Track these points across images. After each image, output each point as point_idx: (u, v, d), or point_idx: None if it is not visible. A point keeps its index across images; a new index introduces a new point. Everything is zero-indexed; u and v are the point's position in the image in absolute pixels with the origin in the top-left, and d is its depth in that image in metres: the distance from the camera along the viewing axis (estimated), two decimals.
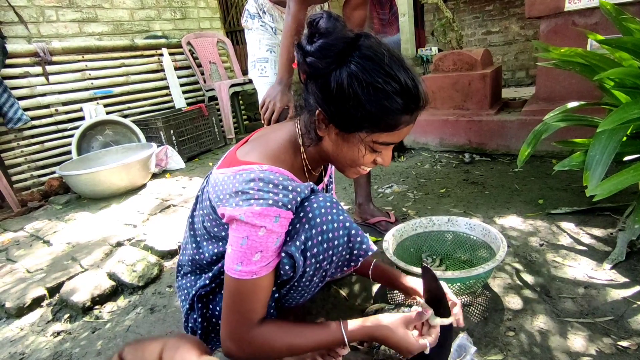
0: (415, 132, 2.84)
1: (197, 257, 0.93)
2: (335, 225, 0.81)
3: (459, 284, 1.10)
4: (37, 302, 1.48)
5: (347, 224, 0.83)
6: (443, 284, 0.90)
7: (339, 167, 0.88)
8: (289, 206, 0.76)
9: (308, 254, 0.79)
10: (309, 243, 0.79)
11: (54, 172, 2.94)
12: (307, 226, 0.79)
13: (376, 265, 1.06)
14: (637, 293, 1.12)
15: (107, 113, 3.32)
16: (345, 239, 0.83)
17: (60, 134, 3.07)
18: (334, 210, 0.81)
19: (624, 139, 1.16)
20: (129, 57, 3.53)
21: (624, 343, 0.95)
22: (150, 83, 3.70)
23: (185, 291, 0.98)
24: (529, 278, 1.25)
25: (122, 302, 1.47)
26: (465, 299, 1.18)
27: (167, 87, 3.83)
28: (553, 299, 1.14)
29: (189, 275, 0.98)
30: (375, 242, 1.59)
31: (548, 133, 1.44)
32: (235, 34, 6.20)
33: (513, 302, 1.15)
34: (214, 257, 0.90)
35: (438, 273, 0.95)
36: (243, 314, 0.78)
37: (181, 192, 2.59)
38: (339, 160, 0.85)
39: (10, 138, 2.81)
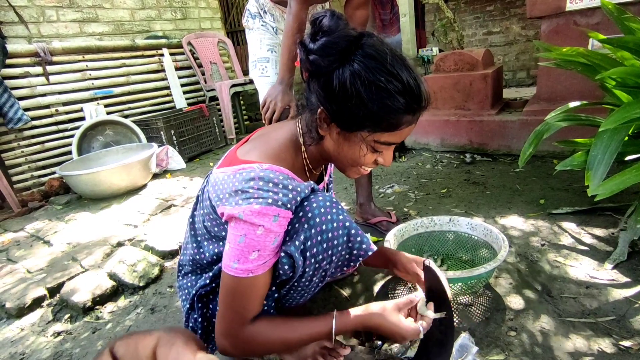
0: (417, 132, 2.84)
1: (197, 256, 0.93)
2: (335, 225, 0.81)
3: (460, 284, 1.10)
4: (37, 303, 1.48)
5: (347, 224, 0.83)
6: (440, 272, 0.90)
7: (340, 166, 0.88)
8: (289, 206, 0.76)
9: (307, 253, 0.79)
10: (309, 243, 0.79)
11: (54, 173, 2.94)
12: (306, 226, 0.78)
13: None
14: (638, 293, 1.12)
15: (108, 113, 3.32)
16: (345, 238, 0.83)
17: (60, 134, 3.07)
18: (334, 210, 0.81)
19: (626, 138, 1.16)
20: (130, 57, 3.53)
21: (626, 343, 0.95)
22: (151, 83, 3.70)
23: (186, 291, 0.98)
24: (530, 278, 1.25)
25: (122, 302, 1.47)
26: (467, 299, 1.18)
27: (167, 87, 3.83)
28: (555, 299, 1.14)
29: (189, 275, 0.98)
30: (376, 242, 1.59)
31: (549, 133, 1.44)
32: (236, 34, 6.21)
33: (515, 302, 1.15)
34: (215, 257, 0.90)
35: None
36: (238, 311, 0.78)
37: (182, 192, 2.59)
38: (340, 159, 0.85)
39: (10, 138, 2.81)
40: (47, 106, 2.99)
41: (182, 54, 3.93)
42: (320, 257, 0.80)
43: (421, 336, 0.82)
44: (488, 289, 1.22)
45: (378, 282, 1.33)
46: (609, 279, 1.19)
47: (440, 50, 4.62)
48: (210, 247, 0.90)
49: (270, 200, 0.73)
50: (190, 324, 0.94)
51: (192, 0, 4.24)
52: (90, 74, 3.25)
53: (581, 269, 1.26)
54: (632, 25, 1.22)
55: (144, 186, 2.82)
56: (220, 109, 3.89)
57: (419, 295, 0.86)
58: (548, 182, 1.97)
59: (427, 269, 0.91)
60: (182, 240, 1.76)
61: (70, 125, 3.10)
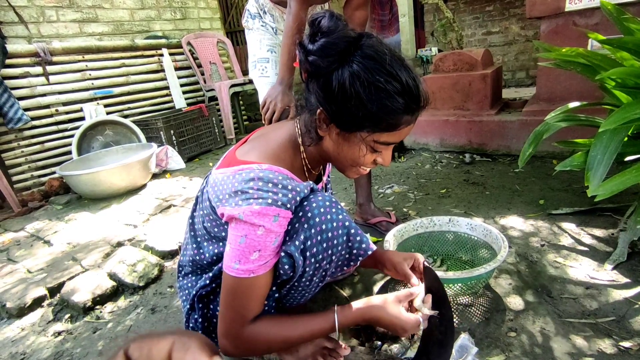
0: (416, 132, 2.84)
1: (197, 257, 0.93)
2: (335, 224, 0.81)
3: (460, 284, 1.10)
4: (38, 302, 1.48)
5: (347, 224, 0.83)
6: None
7: (339, 167, 0.88)
8: (288, 206, 0.76)
9: (307, 253, 0.79)
10: (309, 243, 0.79)
11: (54, 172, 2.94)
12: (306, 226, 0.79)
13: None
14: (638, 293, 1.12)
15: (108, 113, 3.32)
16: (345, 238, 0.83)
17: (60, 134, 3.07)
18: (333, 210, 0.82)
19: (626, 139, 1.16)
20: (129, 57, 3.53)
21: (626, 344, 0.95)
22: (151, 83, 3.70)
23: (186, 291, 0.98)
24: (530, 278, 1.25)
25: (123, 302, 1.47)
26: (467, 299, 1.18)
27: (167, 88, 3.83)
28: (554, 300, 1.14)
29: (189, 275, 0.98)
30: (376, 243, 1.59)
31: (549, 133, 1.44)
32: (236, 34, 6.21)
33: (514, 302, 1.15)
34: (215, 258, 0.90)
35: (439, 273, 0.95)
36: (239, 311, 0.78)
37: (181, 192, 2.59)
38: (339, 160, 0.85)
39: (10, 138, 2.81)
40: (47, 106, 2.99)
41: (182, 54, 3.93)
42: (320, 256, 0.81)
43: (422, 327, 0.81)
44: (488, 290, 1.22)
45: (378, 282, 1.33)
46: (608, 280, 1.20)
47: (439, 51, 4.63)
48: (210, 247, 0.90)
49: (270, 201, 0.73)
50: (191, 325, 0.94)
51: (191, 1, 4.24)
52: (90, 74, 3.25)
53: (581, 269, 1.27)
54: (631, 26, 1.22)
55: (143, 186, 2.82)
56: (219, 109, 3.89)
57: (418, 289, 0.86)
58: (548, 183, 1.97)
59: (426, 270, 0.91)
60: (181, 241, 1.76)
61: (70, 125, 3.10)
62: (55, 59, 3.03)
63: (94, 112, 3.18)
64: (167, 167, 3.20)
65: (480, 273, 1.04)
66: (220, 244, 0.88)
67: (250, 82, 3.87)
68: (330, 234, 0.80)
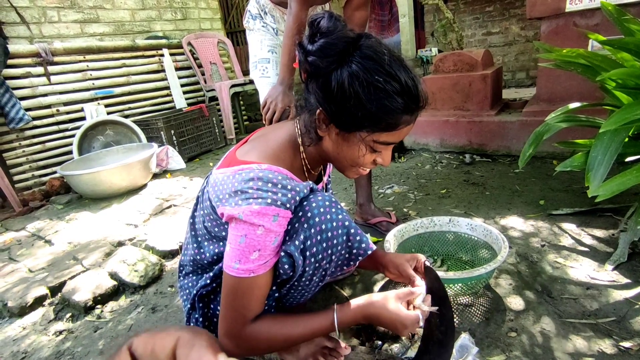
0: (416, 133, 2.84)
1: (198, 257, 0.93)
2: (334, 224, 0.81)
3: (460, 284, 1.11)
4: (39, 302, 1.49)
5: (346, 223, 0.83)
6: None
7: (339, 167, 0.88)
8: (288, 205, 0.76)
9: (307, 253, 0.79)
10: (308, 242, 0.79)
11: (55, 172, 2.95)
12: (306, 225, 0.79)
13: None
14: (639, 294, 1.12)
15: (108, 113, 3.32)
16: (344, 238, 0.83)
17: (61, 134, 3.07)
18: (333, 210, 0.82)
19: (626, 139, 1.17)
20: (130, 57, 3.54)
21: (626, 344, 0.95)
22: (151, 83, 3.71)
23: (187, 291, 0.98)
24: (530, 279, 1.25)
25: (123, 301, 1.47)
26: (467, 299, 1.18)
27: (167, 88, 3.84)
28: (555, 300, 1.14)
29: (190, 275, 0.99)
30: (376, 243, 1.60)
31: (549, 134, 1.45)
32: (236, 34, 6.21)
33: (515, 302, 1.15)
34: (215, 257, 0.90)
35: (440, 273, 0.95)
36: (240, 311, 0.78)
37: (182, 192, 2.59)
38: (339, 160, 0.85)
39: (12, 138, 2.82)
40: (48, 106, 3.00)
41: (182, 54, 3.93)
42: (320, 256, 0.81)
43: (421, 324, 0.81)
44: (488, 290, 1.22)
45: (378, 282, 1.34)
46: (609, 280, 1.20)
47: (439, 51, 4.63)
48: (211, 247, 0.90)
49: (269, 200, 0.73)
50: (192, 324, 0.95)
51: (192, 1, 4.24)
52: (91, 74, 3.26)
53: (581, 270, 1.27)
54: (632, 27, 1.23)
55: (144, 186, 2.83)
56: (220, 109, 3.90)
57: (420, 289, 0.86)
58: (548, 183, 1.97)
59: (427, 270, 0.91)
60: (182, 240, 1.76)
61: (71, 125, 3.11)
62: (56, 59, 3.04)
63: (94, 112, 3.18)
64: (167, 167, 3.21)
65: (480, 273, 1.04)
66: (221, 243, 0.88)
67: (251, 82, 3.88)
68: (330, 234, 0.81)
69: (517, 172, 2.19)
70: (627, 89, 1.30)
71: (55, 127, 3.04)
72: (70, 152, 3.03)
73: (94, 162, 2.85)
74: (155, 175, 3.07)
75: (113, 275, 1.56)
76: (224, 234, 0.84)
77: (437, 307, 0.83)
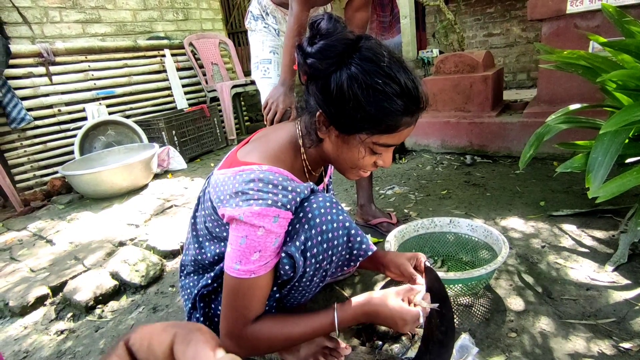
0: (417, 134, 2.85)
1: (199, 257, 0.94)
2: (335, 225, 0.81)
3: (461, 285, 1.11)
4: (40, 301, 1.49)
5: (347, 224, 0.83)
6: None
7: (339, 169, 0.88)
8: (288, 206, 0.77)
9: (308, 254, 0.79)
10: (309, 243, 0.79)
11: (56, 172, 2.95)
12: (306, 226, 0.79)
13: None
14: (639, 295, 1.12)
15: (110, 113, 3.33)
16: (345, 239, 0.83)
17: (63, 134, 3.08)
18: (334, 211, 0.82)
19: (626, 141, 1.17)
20: (132, 57, 3.55)
21: (626, 345, 0.95)
22: (153, 84, 3.72)
23: (188, 290, 0.98)
24: (531, 280, 1.26)
25: (124, 301, 1.47)
26: (467, 300, 1.18)
27: (169, 88, 3.85)
28: (555, 301, 1.14)
29: (191, 274, 0.99)
30: (377, 243, 1.60)
31: (550, 135, 1.45)
32: (237, 35, 6.22)
33: (515, 303, 1.15)
34: (216, 257, 0.90)
35: (440, 274, 0.95)
36: (241, 311, 0.79)
37: (183, 192, 2.60)
38: (339, 162, 0.85)
39: (13, 138, 2.83)
40: (50, 106, 3.01)
41: (184, 54, 3.94)
42: (321, 257, 0.81)
43: (421, 321, 0.80)
44: (488, 290, 1.22)
45: (379, 282, 1.34)
46: (609, 281, 1.20)
47: (440, 52, 4.63)
48: (212, 247, 0.90)
49: (270, 202, 0.74)
50: (188, 321, 0.95)
51: (193, 2, 4.26)
52: (92, 74, 3.27)
53: (582, 271, 1.27)
54: (632, 28, 1.23)
55: (145, 186, 2.83)
56: (221, 109, 3.91)
57: (420, 287, 0.86)
58: (548, 184, 1.98)
59: (427, 270, 0.91)
60: (183, 240, 1.77)
61: (72, 125, 3.12)
62: (58, 59, 3.05)
63: (96, 112, 3.19)
64: (168, 168, 3.21)
65: (480, 274, 1.05)
66: (222, 244, 0.88)
67: (252, 83, 3.89)
68: (330, 235, 0.81)
69: (517, 173, 2.19)
70: (628, 91, 1.30)
71: (56, 127, 3.05)
72: (71, 152, 3.04)
73: (95, 162, 2.86)
74: (157, 176, 3.08)
75: (114, 275, 1.57)
76: (225, 234, 0.85)
77: (437, 304, 0.83)
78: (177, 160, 3.25)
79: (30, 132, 2.89)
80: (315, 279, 0.85)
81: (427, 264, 0.93)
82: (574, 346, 0.97)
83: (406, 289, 0.84)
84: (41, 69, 2.95)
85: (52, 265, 1.74)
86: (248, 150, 0.85)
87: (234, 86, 3.84)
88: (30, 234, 2.21)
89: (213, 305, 0.93)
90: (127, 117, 3.42)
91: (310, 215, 0.79)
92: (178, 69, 3.86)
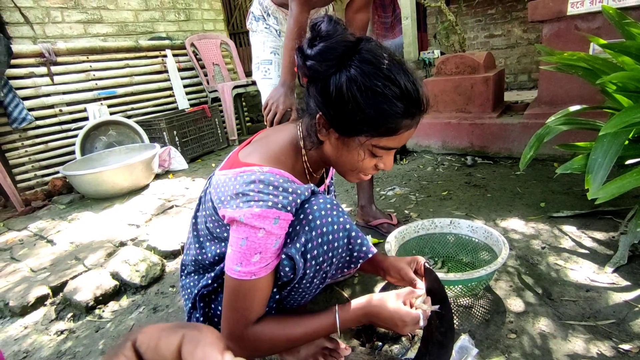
0: (418, 134, 2.85)
1: (200, 257, 0.94)
2: (336, 227, 0.81)
3: (461, 286, 1.11)
4: (40, 301, 1.49)
5: (347, 226, 0.83)
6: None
7: (340, 171, 0.88)
8: (289, 208, 0.76)
9: (308, 255, 0.79)
10: (309, 245, 0.79)
11: (57, 172, 2.96)
12: (307, 228, 0.79)
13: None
14: (638, 296, 1.12)
15: (111, 113, 3.34)
16: (345, 240, 0.83)
17: (64, 134, 3.09)
18: (334, 212, 0.82)
19: (626, 142, 1.17)
20: (133, 58, 3.56)
21: (625, 346, 0.95)
22: (154, 84, 3.72)
23: (189, 290, 0.98)
24: (530, 281, 1.26)
25: (125, 301, 1.48)
26: (467, 301, 1.18)
27: (170, 88, 3.85)
28: (555, 302, 1.14)
29: (192, 274, 0.99)
30: (377, 244, 1.60)
31: (550, 136, 1.45)
32: (239, 35, 6.23)
33: (515, 304, 1.16)
34: (217, 258, 0.90)
35: (440, 275, 0.95)
36: (242, 313, 0.79)
37: (184, 192, 2.60)
38: (339, 164, 0.85)
39: (14, 138, 2.83)
40: (51, 106, 3.02)
41: (185, 55, 3.95)
42: (321, 259, 0.81)
43: (422, 324, 0.80)
44: (488, 292, 1.22)
45: (379, 283, 1.34)
46: (609, 283, 1.20)
47: (441, 53, 4.63)
48: (213, 247, 0.91)
49: (270, 203, 0.74)
50: (194, 322, 0.95)
51: (195, 2, 4.26)
52: (94, 75, 3.27)
53: (581, 272, 1.27)
54: (632, 30, 1.23)
55: (146, 186, 2.84)
56: (222, 110, 3.91)
57: (421, 291, 0.86)
58: (548, 186, 1.98)
59: (427, 271, 0.91)
60: (184, 241, 1.77)
61: (73, 125, 3.13)
62: (59, 59, 3.06)
63: (97, 113, 3.20)
64: (169, 168, 3.22)
65: (480, 275, 1.05)
66: (223, 244, 0.88)
67: (253, 83, 3.89)
68: (331, 237, 0.81)
69: (518, 174, 2.19)
70: (628, 93, 1.31)
71: (58, 127, 3.05)
72: (72, 152, 3.04)
73: (96, 162, 2.87)
74: (158, 176, 3.08)
75: (115, 275, 1.57)
76: (225, 234, 0.85)
77: (438, 306, 0.83)
78: (178, 161, 3.25)
79: (31, 132, 2.90)
80: (315, 280, 0.85)
81: (427, 265, 0.93)
82: (573, 347, 0.97)
83: (407, 292, 0.84)
84: (43, 69, 2.96)
85: (52, 265, 1.74)
86: (249, 151, 0.85)
87: (236, 87, 3.84)
88: (31, 233, 2.22)
89: (213, 305, 0.93)
90: (129, 117, 3.43)
91: (310, 217, 0.79)
92: (179, 70, 3.87)
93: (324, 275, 0.85)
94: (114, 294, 1.51)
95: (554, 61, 1.47)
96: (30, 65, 2.90)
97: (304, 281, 0.83)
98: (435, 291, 0.88)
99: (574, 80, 2.14)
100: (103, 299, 1.47)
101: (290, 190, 0.77)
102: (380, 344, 1.04)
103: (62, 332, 1.34)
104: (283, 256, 0.79)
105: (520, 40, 5.23)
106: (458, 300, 1.18)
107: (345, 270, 0.90)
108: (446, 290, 0.89)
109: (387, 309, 0.80)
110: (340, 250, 0.83)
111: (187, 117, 3.49)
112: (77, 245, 1.94)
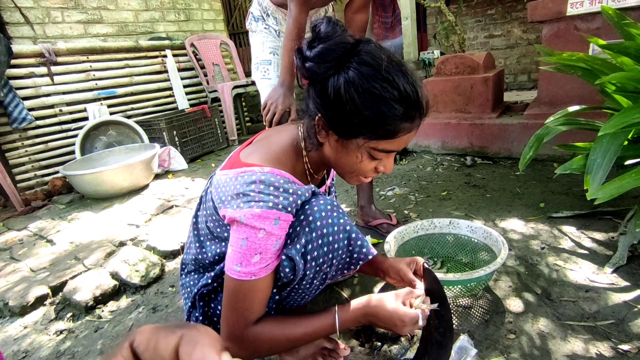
0: (418, 135, 2.84)
1: (200, 256, 0.94)
2: (336, 228, 0.81)
3: (460, 286, 1.11)
4: (40, 301, 1.50)
5: (348, 227, 0.83)
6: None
7: (339, 173, 0.88)
8: (289, 209, 0.76)
9: (308, 257, 0.79)
10: (309, 246, 0.79)
11: (57, 172, 2.96)
12: (307, 229, 0.79)
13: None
14: (638, 297, 1.12)
15: (111, 113, 3.34)
16: (346, 242, 0.83)
17: (64, 134, 3.09)
18: (335, 214, 0.82)
19: (625, 143, 1.17)
20: (133, 58, 3.56)
21: (625, 346, 0.95)
22: (154, 84, 3.72)
23: (188, 289, 0.98)
24: (530, 281, 1.26)
25: (124, 301, 1.48)
26: (466, 301, 1.18)
27: (170, 88, 3.86)
28: (554, 302, 1.15)
29: (192, 273, 0.99)
30: (376, 245, 1.60)
31: (549, 137, 1.45)
32: (239, 35, 6.23)
33: (514, 304, 1.16)
34: (217, 257, 0.91)
35: (439, 275, 0.95)
36: (241, 313, 0.79)
37: (184, 192, 2.60)
38: (339, 166, 0.85)
39: (14, 138, 2.83)
40: (51, 106, 3.02)
41: (185, 55, 3.95)
42: (321, 260, 0.81)
43: (421, 324, 0.80)
44: (487, 292, 1.23)
45: (378, 284, 1.34)
46: (608, 283, 1.20)
47: (441, 53, 4.63)
48: (213, 247, 0.91)
49: (270, 204, 0.74)
50: (192, 322, 0.95)
51: (195, 2, 4.26)
52: (94, 75, 3.28)
53: (581, 272, 1.27)
54: (632, 31, 1.23)
55: (146, 186, 2.84)
56: (222, 110, 3.91)
57: (420, 291, 0.86)
58: (548, 186, 1.98)
59: (426, 271, 0.91)
60: (183, 241, 1.77)
61: (73, 125, 3.13)
62: (59, 59, 3.06)
63: (97, 113, 3.20)
64: (169, 168, 3.22)
65: (480, 275, 1.05)
66: (223, 244, 0.88)
67: (253, 83, 3.89)
68: (331, 238, 0.81)
69: (517, 174, 2.19)
70: (627, 93, 1.31)
71: (58, 127, 3.05)
72: (72, 152, 3.04)
73: (96, 162, 2.87)
74: (157, 176, 3.08)
75: (114, 275, 1.57)
76: (226, 234, 0.85)
77: (436, 304, 0.83)
78: (178, 161, 3.26)
79: (31, 132, 2.90)
80: (315, 281, 0.85)
81: (426, 265, 0.93)
82: (572, 348, 0.97)
83: (406, 292, 0.84)
84: (43, 69, 2.96)
85: (52, 265, 1.74)
86: (250, 151, 0.85)
87: (235, 87, 3.84)
88: (30, 233, 2.22)
89: (212, 305, 0.93)
90: (128, 117, 3.43)
91: (311, 218, 0.79)
92: (179, 70, 3.87)
93: (323, 276, 0.85)
94: (113, 294, 1.51)
95: (553, 61, 1.47)
96: (30, 65, 2.90)
97: (304, 282, 0.83)
98: (434, 291, 0.88)
99: (574, 80, 2.14)
100: (102, 299, 1.47)
101: (290, 191, 0.77)
102: (379, 344, 1.04)
103: (61, 332, 1.34)
104: (283, 257, 0.79)
105: (520, 40, 5.23)
106: (457, 301, 1.18)
107: (345, 271, 0.90)
108: (445, 291, 0.89)
109: (386, 309, 0.80)
110: (340, 252, 0.83)
111: (187, 117, 3.49)
112: (76, 245, 1.94)
